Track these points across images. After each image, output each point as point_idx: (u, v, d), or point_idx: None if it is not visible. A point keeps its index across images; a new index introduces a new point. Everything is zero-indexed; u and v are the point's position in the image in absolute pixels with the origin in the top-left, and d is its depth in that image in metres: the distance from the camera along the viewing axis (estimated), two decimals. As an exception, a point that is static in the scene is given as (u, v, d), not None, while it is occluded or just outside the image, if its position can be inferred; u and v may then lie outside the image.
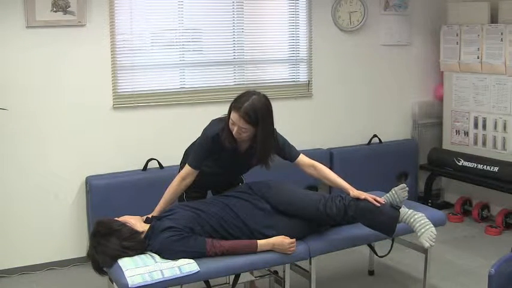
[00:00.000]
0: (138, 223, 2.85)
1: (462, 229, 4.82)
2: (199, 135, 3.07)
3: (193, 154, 3.05)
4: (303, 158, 3.15)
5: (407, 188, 3.06)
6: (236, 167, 3.13)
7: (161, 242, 2.73)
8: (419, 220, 2.94)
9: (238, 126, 2.85)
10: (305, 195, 3.08)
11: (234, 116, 2.85)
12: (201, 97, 4.45)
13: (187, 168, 3.03)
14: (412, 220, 2.95)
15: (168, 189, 3.06)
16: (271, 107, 2.93)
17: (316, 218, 3.03)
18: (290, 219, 3.00)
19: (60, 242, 4.09)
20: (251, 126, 2.85)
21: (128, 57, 4.17)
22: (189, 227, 2.80)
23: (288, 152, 3.12)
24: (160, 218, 2.88)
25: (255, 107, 2.83)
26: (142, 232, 2.80)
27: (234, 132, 2.89)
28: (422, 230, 2.92)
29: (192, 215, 2.86)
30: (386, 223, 2.98)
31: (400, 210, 2.99)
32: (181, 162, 3.25)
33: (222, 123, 2.98)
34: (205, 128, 3.05)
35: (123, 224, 2.79)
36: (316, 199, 3.02)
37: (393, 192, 3.05)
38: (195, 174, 3.03)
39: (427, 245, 2.92)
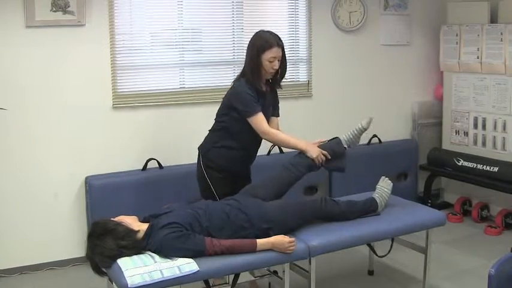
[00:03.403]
0: (134, 222, 2.85)
1: (462, 229, 4.82)
2: (232, 94, 3.33)
3: (247, 103, 3.24)
4: (277, 122, 3.50)
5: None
6: (268, 117, 3.36)
7: (161, 238, 2.73)
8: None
9: (278, 58, 3.25)
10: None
11: (273, 52, 3.23)
12: (200, 97, 4.45)
13: (258, 117, 3.24)
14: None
15: (282, 137, 3.34)
16: None
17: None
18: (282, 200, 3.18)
19: (60, 241, 4.09)
20: (281, 50, 3.28)
21: (127, 57, 4.17)
22: (189, 222, 2.81)
23: (278, 108, 3.51)
24: (159, 216, 2.88)
25: (277, 35, 3.31)
26: (139, 231, 2.80)
27: (274, 68, 3.26)
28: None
29: (191, 212, 2.88)
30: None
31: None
32: (199, 159, 3.47)
33: (243, 79, 3.31)
34: (233, 90, 3.33)
35: (118, 224, 2.79)
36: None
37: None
38: (262, 114, 3.27)
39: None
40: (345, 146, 3.39)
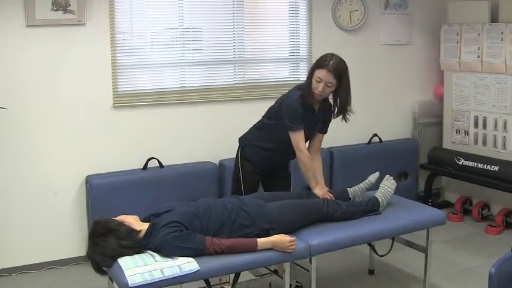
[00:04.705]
0: (135, 222, 2.85)
1: (462, 228, 4.82)
2: (283, 103, 3.38)
3: (291, 118, 3.31)
4: (321, 139, 3.56)
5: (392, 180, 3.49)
6: (311, 131, 3.46)
7: (162, 238, 2.73)
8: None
9: (324, 82, 3.24)
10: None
11: (321, 73, 3.24)
12: (201, 96, 4.45)
13: (298, 134, 3.32)
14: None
15: (308, 166, 3.37)
16: (345, 62, 3.34)
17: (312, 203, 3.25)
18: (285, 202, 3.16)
19: (60, 240, 4.09)
20: (336, 81, 3.26)
21: (128, 56, 4.17)
22: (189, 221, 2.81)
23: (327, 126, 3.55)
24: (159, 215, 2.88)
25: (339, 64, 3.27)
26: (140, 231, 2.80)
27: (318, 90, 3.26)
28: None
29: (191, 211, 2.88)
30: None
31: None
32: (238, 150, 3.56)
33: (298, 91, 3.35)
34: (286, 99, 3.39)
35: (121, 223, 2.78)
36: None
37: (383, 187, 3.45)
38: (303, 133, 3.34)
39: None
40: (350, 196, 3.49)
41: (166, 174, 4.22)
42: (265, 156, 3.50)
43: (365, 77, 5.12)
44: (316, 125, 3.48)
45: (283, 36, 4.77)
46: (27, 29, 3.79)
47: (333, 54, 3.31)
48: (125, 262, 2.65)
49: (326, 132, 3.59)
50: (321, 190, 3.40)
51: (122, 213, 2.93)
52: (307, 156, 3.39)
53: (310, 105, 3.36)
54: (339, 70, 3.26)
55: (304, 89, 3.33)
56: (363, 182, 3.53)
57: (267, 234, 2.94)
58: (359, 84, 5.05)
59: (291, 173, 3.67)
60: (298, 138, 3.35)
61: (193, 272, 2.67)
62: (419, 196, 5.28)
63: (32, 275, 3.99)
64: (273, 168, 3.57)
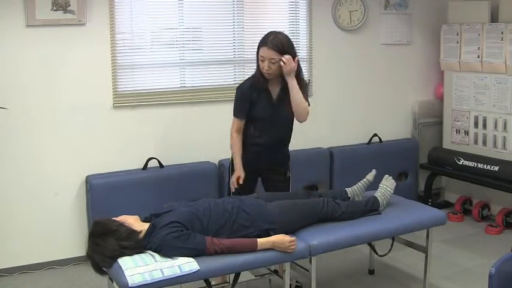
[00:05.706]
0: (136, 222, 2.85)
1: (462, 228, 4.82)
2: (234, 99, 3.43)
3: (235, 107, 3.40)
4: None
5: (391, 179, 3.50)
6: (275, 116, 3.40)
7: (162, 238, 2.73)
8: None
9: (268, 59, 3.25)
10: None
11: (262, 51, 3.27)
12: (201, 96, 4.45)
13: (234, 120, 3.40)
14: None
15: (233, 146, 3.42)
16: (290, 39, 3.34)
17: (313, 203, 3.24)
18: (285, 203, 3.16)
19: (61, 241, 4.09)
20: (279, 55, 3.23)
21: (128, 56, 4.17)
22: (189, 221, 2.82)
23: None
24: (160, 215, 2.88)
25: (279, 38, 3.27)
26: (141, 231, 2.80)
27: (265, 69, 3.27)
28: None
29: (192, 211, 2.89)
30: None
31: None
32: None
33: (250, 79, 3.40)
34: (238, 87, 3.44)
35: (121, 224, 2.78)
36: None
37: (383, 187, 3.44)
38: (243, 124, 3.40)
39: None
40: (349, 196, 3.49)
41: (166, 174, 4.22)
42: (252, 152, 3.44)
43: (365, 77, 5.13)
44: (283, 106, 3.38)
45: (283, 36, 4.76)
46: (27, 29, 3.80)
47: (275, 32, 3.32)
48: (124, 262, 2.65)
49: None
50: (237, 173, 3.38)
51: (122, 213, 2.94)
52: (234, 141, 3.41)
53: (264, 88, 3.36)
54: (279, 45, 3.24)
55: (255, 73, 3.37)
56: (361, 181, 3.53)
57: (267, 234, 2.94)
58: (359, 84, 5.11)
59: (289, 176, 3.59)
60: (233, 123, 3.42)
61: (193, 272, 2.67)
62: (419, 196, 5.28)
63: (32, 275, 3.99)
64: (262, 166, 3.50)
